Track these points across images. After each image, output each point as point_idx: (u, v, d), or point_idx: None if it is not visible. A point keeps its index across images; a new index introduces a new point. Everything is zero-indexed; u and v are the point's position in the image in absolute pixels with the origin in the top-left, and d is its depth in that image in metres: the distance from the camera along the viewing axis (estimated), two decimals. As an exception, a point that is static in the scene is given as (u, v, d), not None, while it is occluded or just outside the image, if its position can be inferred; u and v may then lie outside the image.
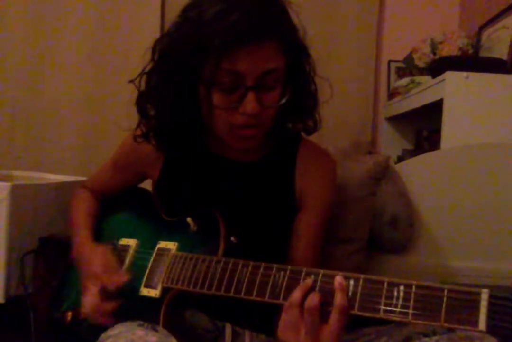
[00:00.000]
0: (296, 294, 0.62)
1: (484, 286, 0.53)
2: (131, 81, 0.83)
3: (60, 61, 2.03)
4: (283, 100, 0.78)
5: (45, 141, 2.03)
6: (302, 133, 0.93)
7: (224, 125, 0.79)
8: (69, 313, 0.90)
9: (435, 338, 0.65)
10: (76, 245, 0.92)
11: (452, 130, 1.45)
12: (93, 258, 0.84)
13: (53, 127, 2.04)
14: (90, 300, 0.79)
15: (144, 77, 0.82)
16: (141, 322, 0.71)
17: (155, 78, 0.80)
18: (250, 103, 0.73)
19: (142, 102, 0.84)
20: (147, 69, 0.81)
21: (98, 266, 0.81)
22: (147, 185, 1.01)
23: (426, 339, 0.67)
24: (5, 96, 2.02)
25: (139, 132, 0.88)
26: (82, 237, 0.92)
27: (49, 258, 1.15)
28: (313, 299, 0.61)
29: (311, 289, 0.63)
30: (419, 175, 1.32)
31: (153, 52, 0.79)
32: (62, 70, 2.03)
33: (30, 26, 2.01)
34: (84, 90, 2.05)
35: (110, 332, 0.69)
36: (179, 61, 0.75)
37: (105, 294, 0.78)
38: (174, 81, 0.77)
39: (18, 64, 2.02)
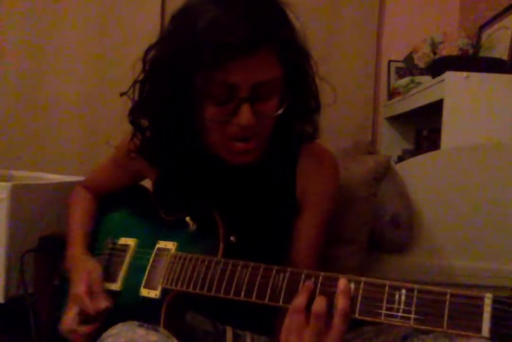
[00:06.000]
0: (300, 299, 0.62)
1: (485, 287, 0.52)
2: (123, 93, 0.80)
3: (60, 61, 2.03)
4: (280, 110, 0.75)
5: (45, 141, 2.03)
6: None
7: (218, 139, 0.76)
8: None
9: (432, 335, 0.65)
10: (68, 255, 0.91)
11: (452, 130, 1.45)
12: (79, 276, 0.83)
13: (53, 127, 2.04)
14: (67, 321, 0.79)
15: (137, 87, 0.78)
16: (142, 323, 0.70)
17: (147, 89, 0.77)
18: (244, 115, 0.70)
19: (134, 114, 0.81)
20: (138, 79, 0.78)
21: (82, 287, 0.80)
22: (147, 183, 1.01)
23: (424, 336, 0.66)
24: (5, 96, 2.01)
25: (132, 146, 0.86)
26: (75, 245, 0.91)
27: (50, 257, 1.14)
28: (320, 304, 0.60)
29: (313, 293, 0.62)
30: (419, 175, 1.32)
31: (144, 61, 0.76)
32: (62, 69, 2.03)
33: (29, 25, 2.01)
34: (84, 90, 2.05)
35: (111, 331, 0.69)
36: (170, 72, 0.71)
37: (84, 316, 0.79)
38: (165, 92, 0.74)
39: (17, 63, 2.02)
